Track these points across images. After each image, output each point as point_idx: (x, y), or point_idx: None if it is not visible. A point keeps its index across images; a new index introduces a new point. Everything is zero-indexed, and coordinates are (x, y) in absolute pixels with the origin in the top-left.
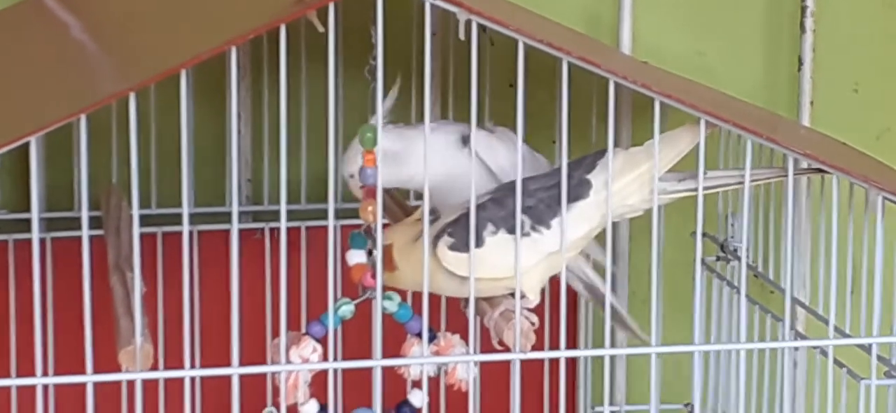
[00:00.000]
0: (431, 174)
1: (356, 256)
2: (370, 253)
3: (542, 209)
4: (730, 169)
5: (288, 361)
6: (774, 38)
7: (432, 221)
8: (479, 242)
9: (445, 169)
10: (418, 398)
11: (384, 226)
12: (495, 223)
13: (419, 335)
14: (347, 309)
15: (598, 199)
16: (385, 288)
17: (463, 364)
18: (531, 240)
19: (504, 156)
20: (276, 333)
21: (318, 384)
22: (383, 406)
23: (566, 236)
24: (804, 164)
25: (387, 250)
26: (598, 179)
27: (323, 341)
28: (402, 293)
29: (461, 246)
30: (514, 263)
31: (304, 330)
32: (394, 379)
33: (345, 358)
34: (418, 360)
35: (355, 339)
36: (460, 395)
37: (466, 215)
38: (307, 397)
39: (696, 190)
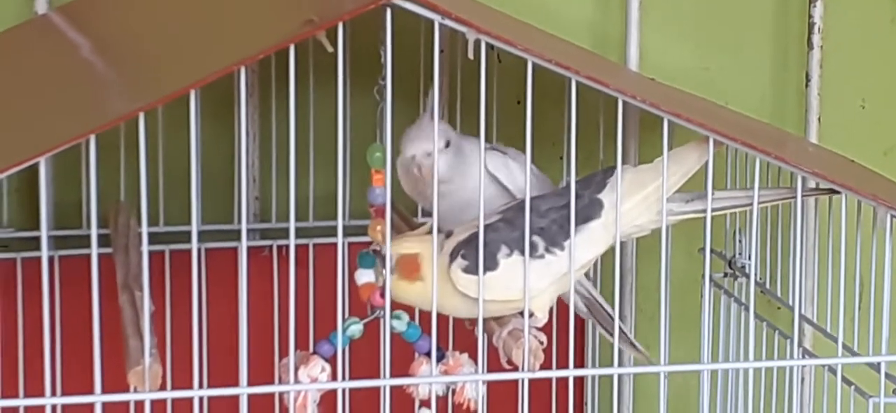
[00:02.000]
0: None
1: (365, 276)
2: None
3: (556, 230)
4: (738, 189)
5: (296, 381)
6: (782, 55)
7: (446, 237)
8: (494, 265)
9: (476, 184)
10: None
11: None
12: (509, 245)
13: (428, 354)
14: (356, 328)
15: (608, 219)
16: (393, 306)
17: (471, 383)
18: (545, 262)
19: (520, 175)
20: (284, 352)
21: (326, 404)
22: None
23: (579, 257)
24: (812, 182)
25: (413, 259)
26: (609, 199)
27: (331, 361)
28: (411, 311)
29: (475, 268)
30: (526, 284)
31: (312, 349)
32: (402, 398)
33: (353, 377)
34: (427, 380)
35: (364, 358)
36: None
37: (479, 235)
38: None
39: (704, 211)
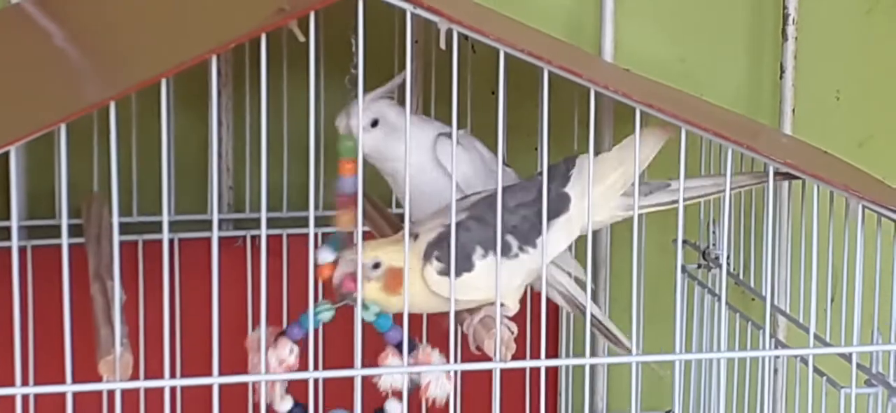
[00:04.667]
0: (412, 172)
1: (326, 255)
2: (376, 265)
3: (527, 228)
4: (709, 176)
5: (266, 365)
6: (757, 46)
7: (414, 238)
8: (469, 266)
9: (422, 169)
10: (396, 407)
11: (366, 234)
12: (484, 246)
13: (398, 346)
14: (328, 314)
15: (574, 212)
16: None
17: (437, 381)
18: (519, 261)
19: (467, 164)
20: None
21: (295, 386)
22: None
23: (550, 252)
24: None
25: (399, 273)
26: (575, 191)
27: (301, 344)
28: None
29: (450, 270)
30: (500, 281)
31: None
32: (372, 388)
33: (325, 362)
34: (399, 369)
35: (335, 345)
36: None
37: (449, 234)
38: (283, 395)
39: (674, 202)
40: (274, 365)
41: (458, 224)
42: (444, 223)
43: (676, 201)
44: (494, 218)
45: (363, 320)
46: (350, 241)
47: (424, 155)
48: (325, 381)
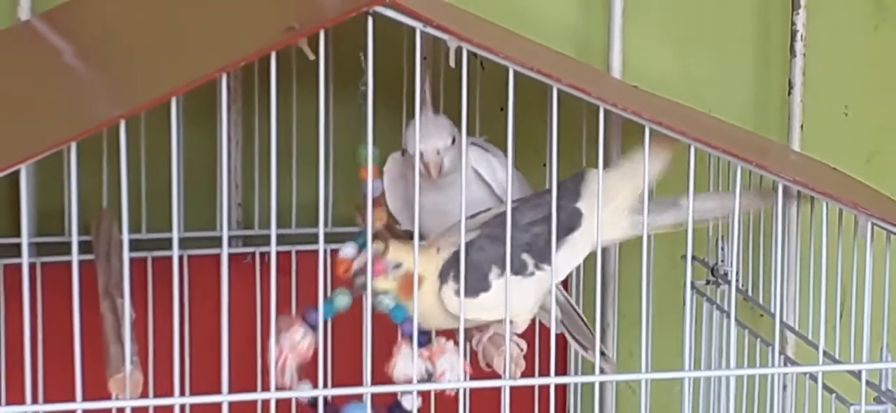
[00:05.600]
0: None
1: (348, 251)
2: (397, 266)
3: (542, 245)
4: (717, 193)
5: (278, 343)
6: (764, 62)
7: (431, 245)
8: (486, 286)
9: (468, 181)
10: (411, 401)
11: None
12: (499, 265)
13: (411, 337)
14: (345, 300)
15: (586, 228)
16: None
17: (452, 369)
18: (535, 279)
19: (501, 171)
20: (266, 359)
21: (307, 369)
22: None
23: (563, 270)
24: (793, 190)
25: (409, 279)
26: (587, 207)
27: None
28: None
29: (469, 292)
30: (518, 301)
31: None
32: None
33: (336, 345)
34: (410, 388)
35: (348, 328)
36: (451, 406)
37: (466, 253)
38: (295, 381)
39: (682, 223)
40: (285, 348)
41: (470, 243)
42: (458, 242)
43: (685, 222)
44: (507, 236)
45: (380, 310)
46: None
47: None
48: (339, 362)
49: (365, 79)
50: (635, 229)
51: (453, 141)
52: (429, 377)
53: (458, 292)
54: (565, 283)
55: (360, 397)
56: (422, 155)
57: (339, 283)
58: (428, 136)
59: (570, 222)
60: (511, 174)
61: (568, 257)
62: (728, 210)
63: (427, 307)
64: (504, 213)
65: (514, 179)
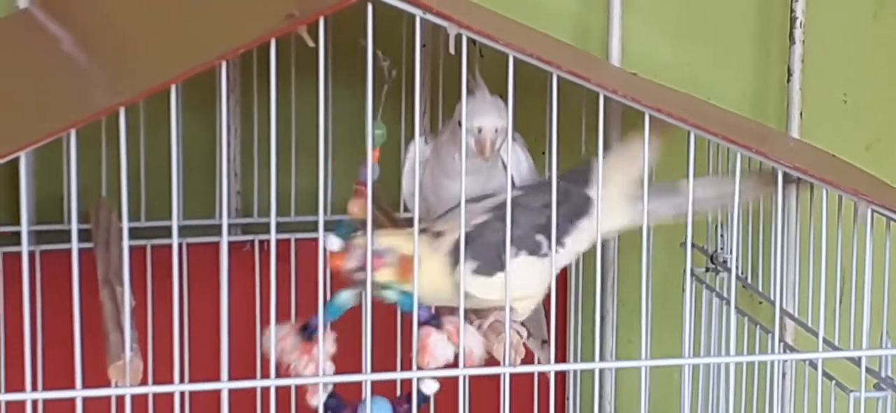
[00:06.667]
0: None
1: (333, 242)
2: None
3: (557, 227)
4: (717, 177)
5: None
6: (764, 49)
7: (435, 236)
8: (502, 265)
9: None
10: (431, 386)
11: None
12: (514, 244)
13: (428, 322)
14: (348, 295)
15: (594, 214)
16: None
17: (476, 344)
18: (549, 260)
19: (525, 161)
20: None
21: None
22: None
23: (574, 251)
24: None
25: (409, 261)
26: (594, 194)
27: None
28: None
29: (486, 269)
30: (531, 280)
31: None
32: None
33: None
34: (405, 374)
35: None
36: (449, 409)
37: (480, 234)
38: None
39: (682, 214)
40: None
41: (484, 224)
42: (471, 223)
43: (685, 212)
44: (522, 218)
45: (386, 302)
46: (359, 227)
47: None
48: (340, 350)
49: (384, 57)
50: (636, 219)
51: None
52: (455, 358)
53: (473, 271)
54: (564, 279)
55: (359, 385)
56: (480, 130)
57: (339, 280)
58: (487, 112)
59: (581, 207)
60: (511, 163)
61: (578, 240)
62: (728, 197)
63: (425, 282)
64: (517, 198)
65: (530, 168)
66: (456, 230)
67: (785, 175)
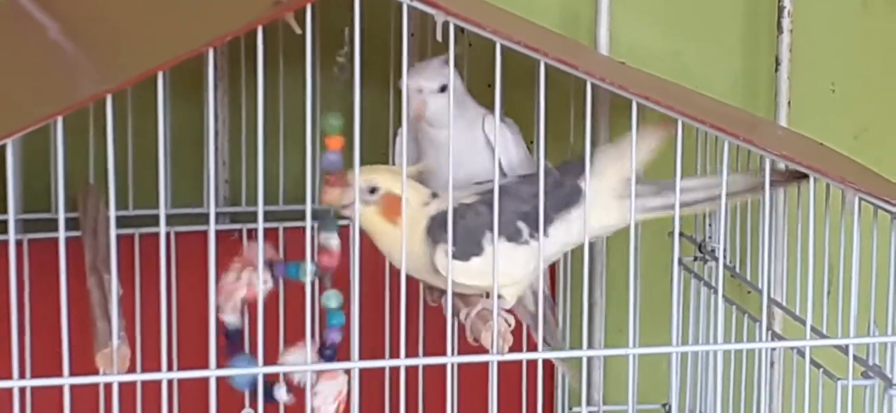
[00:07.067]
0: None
1: (330, 239)
2: (373, 190)
3: (538, 216)
4: (707, 176)
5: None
6: (752, 38)
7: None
8: (479, 250)
9: (473, 141)
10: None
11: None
12: (494, 230)
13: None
14: (311, 271)
15: (588, 206)
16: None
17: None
18: (530, 248)
19: (514, 147)
20: (253, 335)
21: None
22: None
23: (560, 242)
24: (781, 165)
25: (398, 201)
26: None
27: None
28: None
29: (461, 255)
30: (509, 267)
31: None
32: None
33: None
34: (396, 362)
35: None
36: (437, 396)
37: (463, 215)
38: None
39: (671, 208)
40: (243, 280)
41: (468, 206)
42: (458, 199)
43: (683, 204)
44: (507, 203)
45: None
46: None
47: (476, 131)
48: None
49: (342, 50)
50: (628, 217)
51: (443, 88)
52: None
53: (451, 256)
54: (552, 269)
55: (347, 373)
56: (406, 93)
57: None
58: (415, 73)
59: (569, 198)
60: (498, 152)
61: (562, 232)
62: (718, 195)
63: (408, 246)
64: (506, 185)
65: (524, 157)
66: (442, 202)
67: (773, 166)
